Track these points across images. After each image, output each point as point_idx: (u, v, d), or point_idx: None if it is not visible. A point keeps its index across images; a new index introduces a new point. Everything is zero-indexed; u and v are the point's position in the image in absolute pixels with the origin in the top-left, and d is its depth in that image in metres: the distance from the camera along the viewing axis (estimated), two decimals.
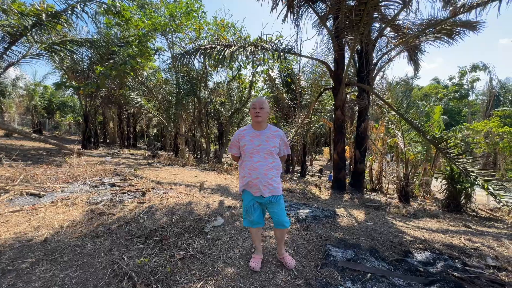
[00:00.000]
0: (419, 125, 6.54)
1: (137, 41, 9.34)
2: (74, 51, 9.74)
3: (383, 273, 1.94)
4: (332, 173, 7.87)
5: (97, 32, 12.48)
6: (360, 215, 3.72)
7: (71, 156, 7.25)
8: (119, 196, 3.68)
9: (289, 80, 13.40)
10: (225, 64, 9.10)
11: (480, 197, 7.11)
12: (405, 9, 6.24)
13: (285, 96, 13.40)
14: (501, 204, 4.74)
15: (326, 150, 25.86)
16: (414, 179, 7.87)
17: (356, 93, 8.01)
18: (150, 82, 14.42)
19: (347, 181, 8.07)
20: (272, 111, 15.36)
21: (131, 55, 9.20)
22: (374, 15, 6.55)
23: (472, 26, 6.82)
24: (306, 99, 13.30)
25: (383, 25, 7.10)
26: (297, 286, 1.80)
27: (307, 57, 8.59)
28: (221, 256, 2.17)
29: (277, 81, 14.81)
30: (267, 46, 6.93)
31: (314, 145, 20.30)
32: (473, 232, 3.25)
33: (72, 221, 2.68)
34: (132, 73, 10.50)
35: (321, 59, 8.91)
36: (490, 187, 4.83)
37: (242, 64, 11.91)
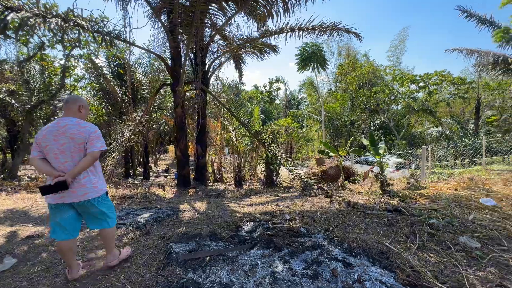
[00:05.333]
0: (246, 122, 8.01)
1: None
2: None
3: (220, 251, 2.18)
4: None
5: None
6: (202, 206, 3.98)
7: None
8: None
9: (122, 72, 11.64)
10: (12, 35, 6.33)
11: (284, 173, 9.97)
12: (229, 23, 7.32)
13: (117, 89, 11.50)
14: (294, 175, 6.91)
15: (171, 148, 25.35)
16: (245, 166, 9.59)
17: (195, 92, 8.40)
18: None
19: (192, 176, 8.38)
20: (101, 106, 12.71)
21: None
22: (206, 21, 7.15)
23: (273, 48, 9.24)
24: (144, 95, 12.20)
25: (213, 32, 7.92)
26: None
27: (141, 47, 7.81)
28: None
29: (105, 71, 12.40)
30: (84, 24, 5.54)
31: (157, 144, 19.22)
32: (279, 198, 4.48)
33: None
34: None
35: (158, 53, 8.49)
36: (288, 165, 6.88)
37: (47, 42, 8.80)
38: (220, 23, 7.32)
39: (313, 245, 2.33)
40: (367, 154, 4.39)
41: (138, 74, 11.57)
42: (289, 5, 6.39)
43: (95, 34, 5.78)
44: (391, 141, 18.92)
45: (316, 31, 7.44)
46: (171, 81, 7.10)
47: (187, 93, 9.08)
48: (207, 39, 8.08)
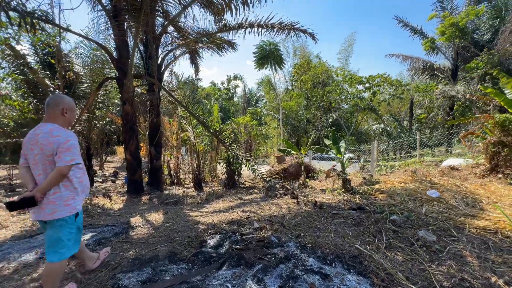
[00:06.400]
0: (205, 121, 7.55)
1: None
2: None
3: (182, 278, 1.85)
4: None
5: None
6: (158, 217, 3.50)
7: None
8: None
9: (54, 62, 9.88)
10: None
11: (245, 172, 9.78)
12: (184, 13, 6.74)
13: (47, 82, 9.73)
14: (256, 175, 6.77)
15: (120, 149, 22.95)
16: (205, 167, 9.11)
17: (146, 87, 7.58)
18: None
19: (146, 179, 7.59)
20: (26, 102, 10.64)
21: None
22: (157, 8, 6.45)
23: (231, 44, 8.91)
24: (84, 89, 10.61)
25: (166, 22, 7.22)
26: None
27: (77, 34, 6.64)
28: None
29: (31, 60, 10.44)
30: None
31: (103, 145, 17.16)
32: (244, 202, 4.25)
33: None
34: None
35: (100, 42, 7.36)
36: (250, 165, 6.70)
37: None
38: (174, 13, 6.70)
39: (286, 256, 2.17)
40: (329, 152, 4.46)
41: (74, 65, 9.96)
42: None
43: (11, 13, 4.66)
44: (342, 137, 20.42)
45: (275, 29, 7.39)
46: (117, 75, 6.22)
47: (137, 89, 8.18)
48: (159, 29, 7.34)
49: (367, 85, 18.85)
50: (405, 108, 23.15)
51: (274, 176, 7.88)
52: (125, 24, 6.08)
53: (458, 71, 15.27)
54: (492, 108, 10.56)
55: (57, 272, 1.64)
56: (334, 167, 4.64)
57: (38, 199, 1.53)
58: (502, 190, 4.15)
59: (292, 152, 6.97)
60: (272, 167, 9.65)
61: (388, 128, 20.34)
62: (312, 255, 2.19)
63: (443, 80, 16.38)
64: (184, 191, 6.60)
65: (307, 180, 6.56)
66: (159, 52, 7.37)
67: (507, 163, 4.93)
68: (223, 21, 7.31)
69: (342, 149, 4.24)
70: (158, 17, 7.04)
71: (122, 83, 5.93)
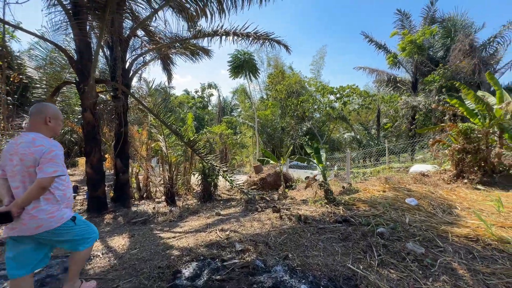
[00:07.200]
0: (178, 130, 7.10)
1: None
2: None
3: None
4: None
5: None
6: (122, 242, 3.01)
7: None
8: None
9: (1, 63, 8.72)
10: None
11: (221, 182, 9.35)
12: (155, 17, 6.37)
13: None
14: (234, 186, 6.46)
15: (82, 160, 20.95)
16: (178, 179, 8.53)
17: (112, 94, 6.94)
18: None
19: (111, 195, 6.85)
20: None
21: None
22: (125, 9, 5.99)
23: (206, 51, 8.64)
24: (39, 95, 9.51)
25: (135, 25, 6.76)
26: None
27: (30, 32, 5.88)
28: None
29: None
30: None
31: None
32: (223, 218, 3.91)
33: None
34: None
35: (59, 43, 6.60)
36: (227, 176, 6.37)
37: None
38: (144, 14, 6.29)
39: (275, 284, 1.90)
40: (311, 162, 4.35)
41: (27, 68, 8.90)
42: (224, 6, 6.01)
43: None
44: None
45: (250, 38, 7.33)
46: (77, 79, 5.58)
47: (102, 95, 7.48)
48: (128, 32, 6.84)
49: (338, 95, 19.71)
50: (373, 117, 24.58)
51: (252, 187, 7.61)
52: (88, 23, 5.52)
53: (417, 83, 16.64)
54: (448, 117, 11.57)
55: (82, 259, 1.74)
56: (315, 177, 4.53)
57: (15, 214, 1.42)
58: (471, 196, 4.36)
59: (271, 161, 6.80)
60: (250, 177, 9.37)
61: (358, 137, 21.34)
62: (303, 281, 1.95)
63: (405, 92, 17.72)
64: (154, 207, 6.03)
65: (286, 190, 6.40)
66: (127, 56, 6.84)
67: (471, 169, 5.26)
68: (197, 27, 7.06)
69: (323, 158, 4.15)
70: (126, 19, 6.56)
71: (83, 89, 5.31)
